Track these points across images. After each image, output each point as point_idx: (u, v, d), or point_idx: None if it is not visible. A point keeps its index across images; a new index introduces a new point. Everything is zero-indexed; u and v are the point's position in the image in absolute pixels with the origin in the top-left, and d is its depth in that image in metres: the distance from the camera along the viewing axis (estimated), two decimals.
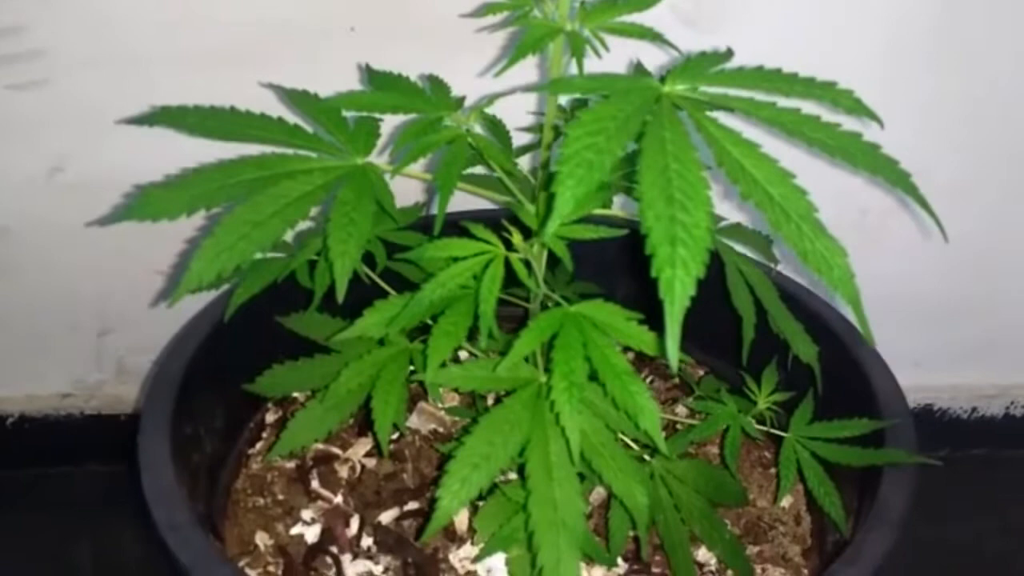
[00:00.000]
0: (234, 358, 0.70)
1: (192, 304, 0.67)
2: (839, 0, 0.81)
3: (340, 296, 0.52)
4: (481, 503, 0.61)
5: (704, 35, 0.80)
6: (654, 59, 0.77)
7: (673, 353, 0.36)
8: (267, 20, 0.78)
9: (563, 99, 0.70)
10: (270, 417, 0.81)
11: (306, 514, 0.71)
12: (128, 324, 1.01)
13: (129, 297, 0.98)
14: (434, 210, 0.56)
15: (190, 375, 0.68)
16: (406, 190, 0.68)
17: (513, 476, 0.63)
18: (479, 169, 0.69)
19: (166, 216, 0.52)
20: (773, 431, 0.69)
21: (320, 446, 0.76)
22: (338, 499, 0.72)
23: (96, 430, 1.10)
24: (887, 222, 0.95)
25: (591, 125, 0.38)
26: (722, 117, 0.43)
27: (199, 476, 0.69)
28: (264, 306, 0.66)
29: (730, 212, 0.81)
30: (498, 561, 0.65)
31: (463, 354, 0.76)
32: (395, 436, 0.77)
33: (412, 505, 0.72)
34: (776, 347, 0.67)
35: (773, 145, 0.42)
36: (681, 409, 0.81)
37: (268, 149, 0.57)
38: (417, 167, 0.59)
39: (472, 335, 0.58)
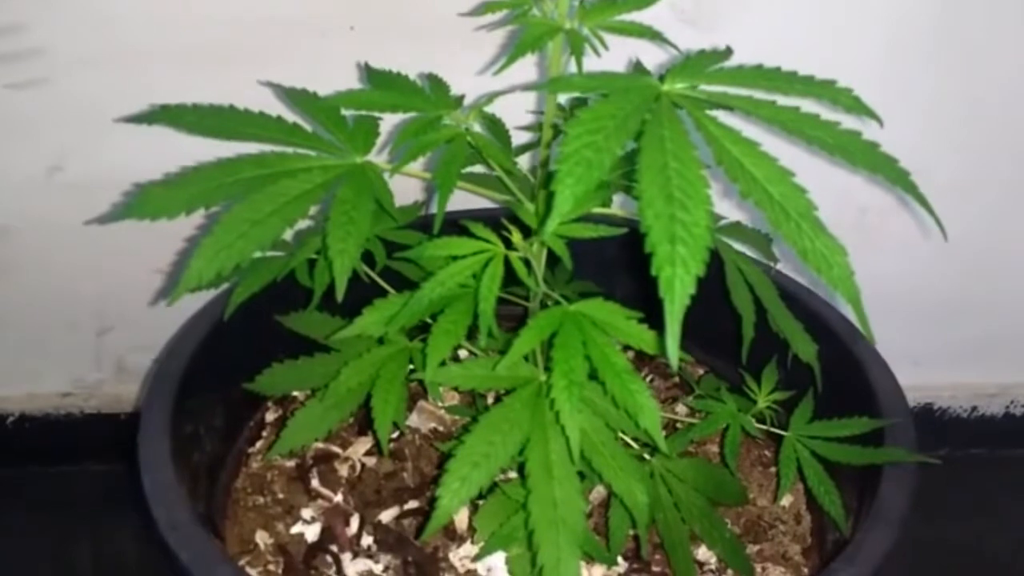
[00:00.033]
0: (234, 357, 0.70)
1: (192, 303, 0.67)
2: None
3: (339, 295, 0.52)
4: (481, 502, 0.61)
5: (703, 34, 0.80)
6: (654, 58, 0.77)
7: (673, 352, 0.36)
8: (266, 19, 0.78)
9: (562, 98, 0.70)
10: (270, 416, 0.81)
11: (306, 513, 0.71)
12: (128, 323, 1.01)
13: (129, 296, 0.98)
14: (433, 209, 0.56)
15: (190, 374, 0.68)
16: (405, 189, 0.68)
17: (513, 475, 0.63)
18: (478, 168, 0.68)
19: (165, 215, 0.52)
20: (773, 430, 0.68)
21: (320, 445, 0.76)
22: (338, 498, 0.72)
23: (96, 429, 1.10)
24: (887, 221, 0.95)
25: (590, 124, 0.38)
26: (721, 115, 0.43)
27: (199, 475, 0.69)
28: (264, 305, 0.66)
29: (730, 211, 0.81)
30: (498, 560, 0.65)
31: (463, 353, 0.76)
32: (395, 435, 0.77)
33: (412, 504, 0.72)
34: (776, 346, 0.67)
35: (772, 143, 0.42)
36: (681, 408, 0.81)
37: (267, 148, 0.57)
38: (416, 166, 0.59)
39: (472, 334, 0.58)
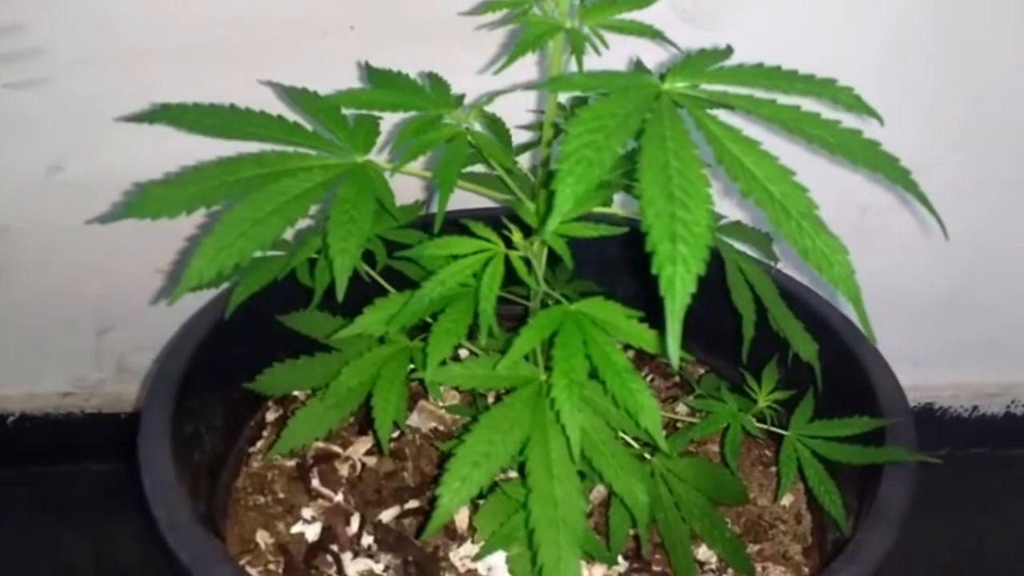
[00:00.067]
0: (234, 356, 0.70)
1: (192, 302, 0.67)
2: None
3: (340, 294, 0.52)
4: (482, 501, 0.61)
5: (703, 33, 0.80)
6: (654, 57, 0.77)
7: (674, 351, 0.35)
8: (267, 18, 0.78)
9: (563, 97, 0.70)
10: (270, 415, 0.81)
11: (307, 512, 0.71)
12: (128, 322, 1.01)
13: (129, 295, 0.98)
14: (434, 208, 0.56)
15: (190, 374, 0.68)
16: (406, 188, 0.68)
17: (513, 474, 0.63)
18: (479, 167, 0.68)
19: (166, 214, 0.52)
20: (773, 429, 0.68)
21: (321, 444, 0.76)
22: (339, 497, 0.72)
23: (96, 429, 1.10)
24: (887, 220, 0.95)
25: (591, 123, 0.38)
26: (722, 114, 0.43)
27: (199, 475, 0.69)
28: (264, 304, 0.66)
29: (730, 210, 0.81)
30: (498, 559, 0.65)
31: (463, 352, 0.76)
32: (395, 434, 0.77)
33: (413, 503, 0.72)
34: (776, 345, 0.67)
35: (773, 142, 0.42)
36: (681, 407, 0.81)
37: (268, 147, 0.57)
38: (417, 165, 0.59)
39: (472, 333, 0.58)
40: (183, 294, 0.52)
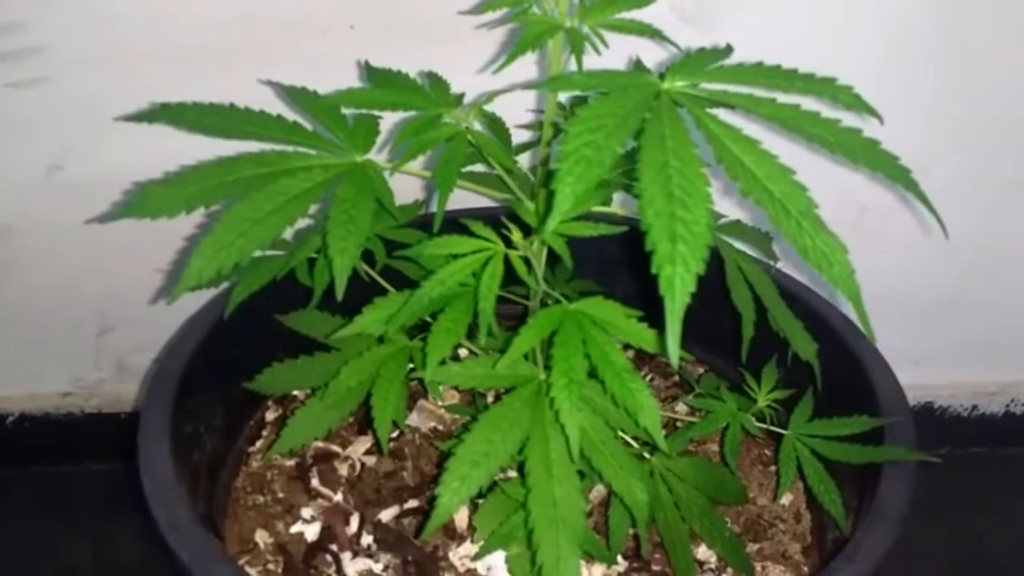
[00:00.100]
0: (234, 356, 0.70)
1: (192, 302, 0.67)
2: None
3: (339, 294, 0.52)
4: (481, 501, 0.61)
5: (703, 32, 0.80)
6: (654, 56, 0.77)
7: (673, 350, 0.35)
8: (266, 17, 0.78)
9: (562, 96, 0.70)
10: (270, 415, 0.81)
11: (306, 512, 0.71)
12: (128, 322, 1.01)
13: (129, 295, 0.98)
14: (433, 207, 0.56)
15: (190, 373, 0.68)
16: (405, 188, 0.68)
17: (513, 474, 0.63)
18: (478, 167, 0.68)
19: (165, 214, 0.52)
20: (773, 429, 0.68)
21: (320, 444, 0.76)
22: (338, 497, 0.72)
23: (96, 429, 1.10)
24: (887, 220, 0.95)
25: (590, 122, 0.38)
26: (722, 113, 0.43)
27: (199, 474, 0.69)
28: (263, 304, 0.66)
29: (730, 209, 0.81)
30: (498, 559, 0.65)
31: (463, 352, 0.76)
32: (395, 434, 0.77)
33: (412, 503, 0.72)
34: (776, 344, 0.67)
35: (773, 141, 0.42)
36: (681, 407, 0.81)
37: (267, 146, 0.57)
38: (416, 164, 0.59)
39: (472, 333, 0.58)
40: (182, 293, 0.51)
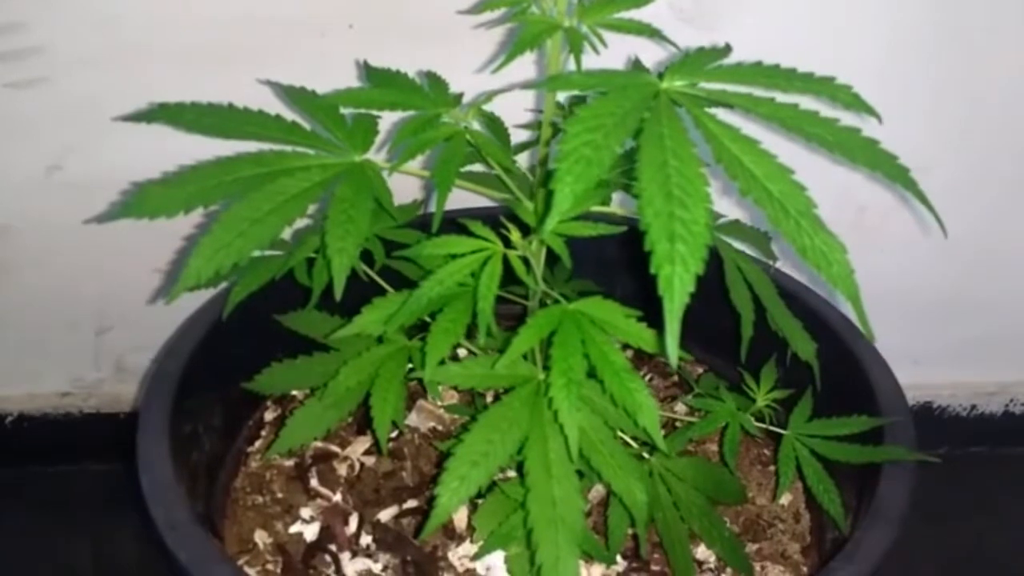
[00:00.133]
0: (233, 356, 0.70)
1: (190, 302, 0.67)
2: None
3: (338, 294, 0.52)
4: (480, 501, 0.61)
5: (702, 32, 0.80)
6: (653, 56, 0.77)
7: (672, 350, 0.35)
8: (266, 18, 0.78)
9: (561, 96, 0.70)
10: (269, 415, 0.81)
11: (305, 512, 0.71)
12: (127, 322, 1.01)
13: (128, 295, 0.98)
14: (432, 207, 0.56)
15: (189, 373, 0.68)
16: (404, 187, 0.68)
17: (512, 474, 0.63)
18: (477, 166, 0.68)
19: (164, 213, 0.52)
20: (772, 428, 0.68)
21: (319, 444, 0.76)
22: (337, 497, 0.72)
23: (95, 429, 1.10)
24: (886, 219, 0.95)
25: (589, 121, 0.38)
26: (720, 113, 0.43)
27: (198, 474, 0.69)
28: (262, 304, 0.66)
29: (729, 209, 0.81)
30: (497, 559, 0.65)
31: (462, 352, 0.76)
32: (394, 434, 0.77)
33: (411, 503, 0.72)
34: (775, 344, 0.67)
35: (772, 141, 0.42)
36: (680, 407, 0.81)
37: (266, 146, 0.57)
38: (415, 164, 0.59)
39: (471, 333, 0.58)
40: (181, 293, 0.51)
